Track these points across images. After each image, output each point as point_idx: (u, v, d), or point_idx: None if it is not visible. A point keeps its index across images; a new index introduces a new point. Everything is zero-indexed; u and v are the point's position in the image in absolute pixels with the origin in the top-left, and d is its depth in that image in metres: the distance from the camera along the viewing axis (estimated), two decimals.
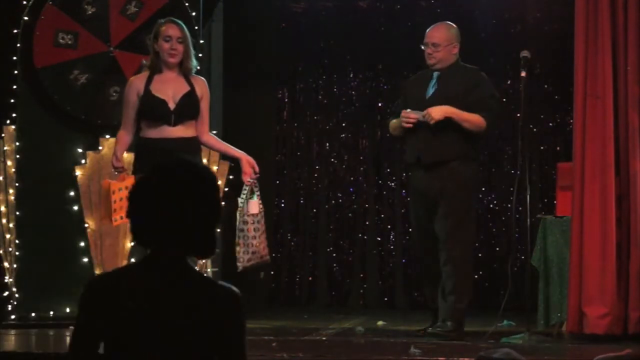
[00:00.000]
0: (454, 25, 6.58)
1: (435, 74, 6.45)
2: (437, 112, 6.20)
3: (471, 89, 6.36)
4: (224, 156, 7.78)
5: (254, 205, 5.89)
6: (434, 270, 6.36)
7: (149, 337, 2.66)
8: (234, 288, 2.80)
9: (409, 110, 6.32)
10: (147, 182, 2.73)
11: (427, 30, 6.51)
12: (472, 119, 6.27)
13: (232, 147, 6.10)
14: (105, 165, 7.09)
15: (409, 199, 6.79)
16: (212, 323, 2.70)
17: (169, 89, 5.90)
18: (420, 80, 6.56)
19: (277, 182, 9.28)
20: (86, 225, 7.15)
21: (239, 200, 5.91)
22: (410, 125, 6.30)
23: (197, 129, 5.95)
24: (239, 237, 5.89)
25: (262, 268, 6.23)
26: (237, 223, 5.91)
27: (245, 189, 5.91)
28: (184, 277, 2.73)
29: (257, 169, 5.93)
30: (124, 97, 6.04)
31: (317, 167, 9.48)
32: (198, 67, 6.08)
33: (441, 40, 6.42)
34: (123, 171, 5.97)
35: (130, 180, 5.91)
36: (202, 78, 6.11)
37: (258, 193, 5.91)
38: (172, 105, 5.85)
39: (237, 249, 5.89)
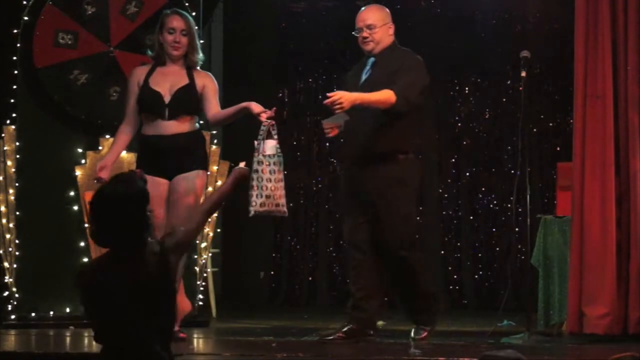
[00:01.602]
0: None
1: (371, 60, 6.06)
2: (347, 101, 5.62)
3: (397, 72, 5.89)
4: (224, 156, 7.80)
5: (271, 145, 5.52)
6: (368, 268, 6.01)
7: (118, 300, 3.54)
8: (158, 246, 3.65)
9: (325, 120, 5.94)
10: (92, 202, 3.63)
11: (358, 15, 6.10)
12: (380, 97, 5.74)
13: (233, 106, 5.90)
14: None
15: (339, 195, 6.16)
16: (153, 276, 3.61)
17: (168, 82, 5.86)
18: (357, 69, 6.14)
19: None
20: (86, 225, 7.14)
21: (255, 142, 5.55)
22: (331, 134, 5.97)
23: (207, 114, 5.90)
24: (252, 179, 5.43)
25: (275, 217, 5.69)
26: (252, 165, 5.48)
27: (262, 129, 5.56)
28: (131, 257, 3.63)
29: (270, 112, 5.62)
30: (127, 88, 6.03)
31: (317, 167, 9.49)
32: (202, 61, 6.03)
33: (376, 21, 6.02)
34: (103, 182, 5.90)
35: None
36: (208, 72, 6.07)
37: (276, 137, 5.57)
38: (167, 99, 5.82)
39: (250, 192, 5.47)
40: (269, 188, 5.47)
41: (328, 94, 5.69)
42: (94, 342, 3.68)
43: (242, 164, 5.07)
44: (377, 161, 5.89)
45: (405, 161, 5.93)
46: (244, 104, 5.75)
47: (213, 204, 4.02)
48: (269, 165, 5.48)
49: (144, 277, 3.56)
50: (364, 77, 6.03)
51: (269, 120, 5.58)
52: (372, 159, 5.90)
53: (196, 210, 4.11)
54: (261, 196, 5.48)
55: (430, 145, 9.37)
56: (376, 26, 6.02)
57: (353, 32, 6.07)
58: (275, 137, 5.55)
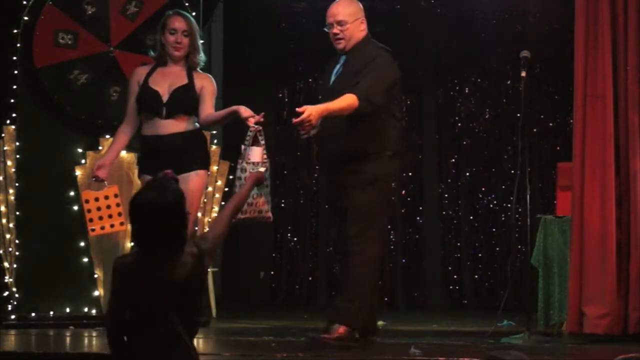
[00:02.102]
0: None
1: (343, 57, 5.88)
2: (315, 117, 5.46)
3: (361, 72, 5.70)
4: (224, 156, 7.80)
5: (256, 152, 5.38)
6: None
7: (155, 296, 3.63)
8: (195, 248, 3.72)
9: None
10: (130, 209, 3.68)
11: (328, 9, 5.89)
12: (343, 105, 5.56)
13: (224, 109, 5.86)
14: None
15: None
16: (185, 277, 3.68)
17: (167, 81, 5.86)
18: (331, 67, 5.97)
19: (277, 182, 9.28)
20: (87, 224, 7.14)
21: (242, 147, 5.42)
22: (307, 135, 5.71)
23: (200, 115, 5.88)
24: (235, 186, 5.26)
25: (261, 224, 5.49)
26: (236, 171, 5.38)
27: (249, 134, 5.44)
28: (171, 256, 3.70)
29: (258, 117, 5.51)
30: (127, 88, 6.03)
31: (317, 167, 9.49)
32: (204, 62, 6.02)
33: (347, 16, 5.82)
34: (101, 181, 5.90)
35: (111, 190, 5.90)
36: (208, 74, 6.07)
37: (263, 143, 5.43)
38: (165, 98, 5.82)
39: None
40: (251, 196, 5.30)
41: (297, 109, 5.52)
42: (93, 342, 3.69)
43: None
44: (351, 162, 5.76)
45: (379, 159, 5.78)
46: (233, 108, 5.70)
47: (235, 208, 4.09)
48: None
49: (181, 277, 3.66)
50: (333, 77, 5.91)
51: (256, 126, 5.47)
52: (347, 161, 5.78)
53: (221, 216, 4.08)
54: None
55: (429, 145, 9.39)
56: (347, 22, 5.84)
57: (324, 28, 5.92)
58: (262, 143, 5.43)
